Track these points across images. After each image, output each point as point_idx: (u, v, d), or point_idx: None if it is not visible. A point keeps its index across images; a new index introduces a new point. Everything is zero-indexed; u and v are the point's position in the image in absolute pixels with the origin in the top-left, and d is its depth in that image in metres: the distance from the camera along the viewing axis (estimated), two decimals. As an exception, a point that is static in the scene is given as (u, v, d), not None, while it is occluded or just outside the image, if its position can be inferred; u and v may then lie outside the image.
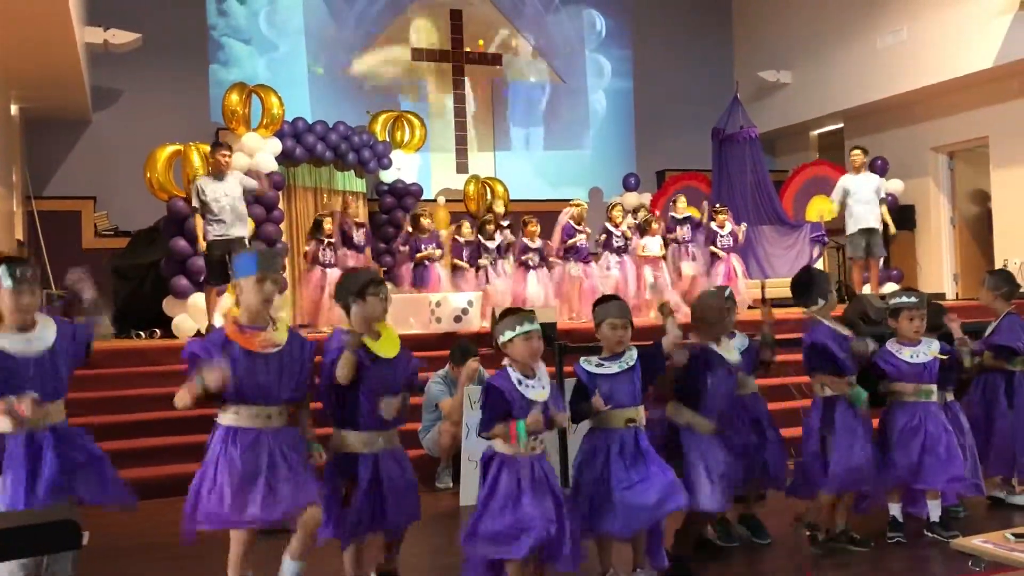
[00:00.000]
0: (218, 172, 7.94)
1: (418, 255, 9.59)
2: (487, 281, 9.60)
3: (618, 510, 3.66)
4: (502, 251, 9.85)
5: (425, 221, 9.78)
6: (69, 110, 11.63)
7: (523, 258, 9.63)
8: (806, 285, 4.57)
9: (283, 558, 3.54)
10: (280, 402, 3.51)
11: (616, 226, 10.04)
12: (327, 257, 9.38)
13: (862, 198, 9.79)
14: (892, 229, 10.16)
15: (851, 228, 9.95)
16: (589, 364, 3.88)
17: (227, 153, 8.02)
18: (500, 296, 9.28)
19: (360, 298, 3.62)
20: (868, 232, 9.82)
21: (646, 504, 3.66)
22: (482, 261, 9.75)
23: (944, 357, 4.55)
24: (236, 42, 13.29)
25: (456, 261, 9.84)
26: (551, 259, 9.78)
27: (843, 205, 9.96)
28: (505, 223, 10.25)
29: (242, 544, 3.51)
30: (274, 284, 3.56)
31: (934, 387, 4.57)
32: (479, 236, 9.81)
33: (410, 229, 9.94)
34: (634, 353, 3.90)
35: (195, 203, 7.84)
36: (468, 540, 3.47)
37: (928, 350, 4.54)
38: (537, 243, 9.69)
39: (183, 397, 3.35)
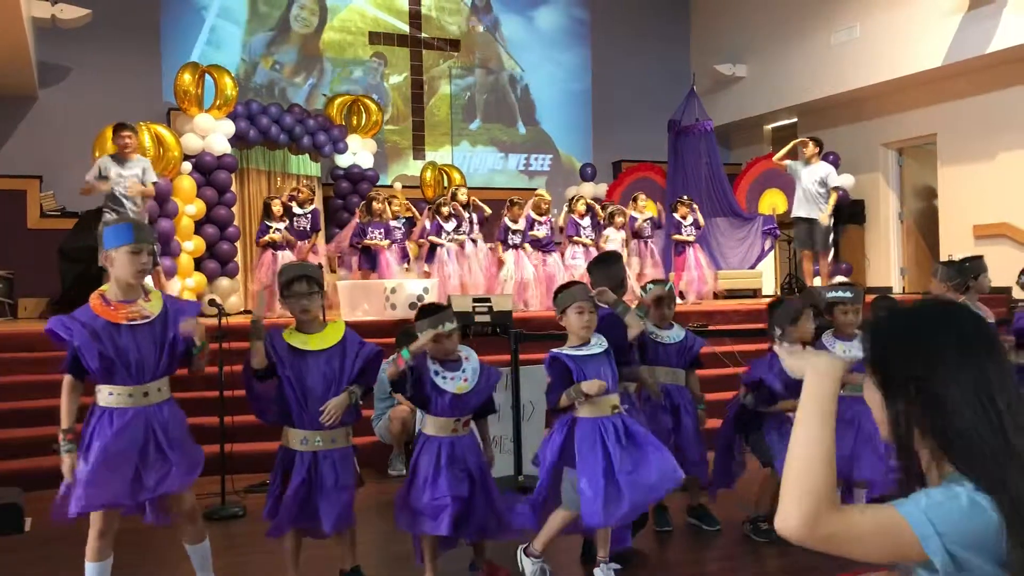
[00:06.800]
0: (121, 155, 7.74)
1: (365, 241, 9.38)
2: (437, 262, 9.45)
3: (625, 496, 3.56)
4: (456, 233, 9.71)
5: (377, 206, 9.56)
6: (14, 86, 11.30)
7: (505, 239, 9.57)
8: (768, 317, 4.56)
9: (185, 545, 3.53)
10: (157, 377, 3.30)
11: (581, 217, 10.04)
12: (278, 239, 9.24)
13: (804, 187, 9.82)
14: (824, 220, 9.73)
15: (793, 214, 10.13)
16: (566, 351, 3.80)
17: (130, 135, 7.73)
18: (449, 280, 9.20)
19: (284, 297, 3.57)
20: (806, 221, 9.88)
21: (649, 484, 3.63)
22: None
23: None
24: (226, 23, 13.12)
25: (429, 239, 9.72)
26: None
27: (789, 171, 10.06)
28: (466, 215, 10.11)
29: (100, 523, 3.31)
30: (149, 256, 3.35)
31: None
32: (436, 216, 9.68)
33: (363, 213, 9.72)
34: (602, 339, 3.84)
35: (90, 177, 7.73)
36: (397, 515, 3.68)
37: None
38: (520, 224, 9.63)
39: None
